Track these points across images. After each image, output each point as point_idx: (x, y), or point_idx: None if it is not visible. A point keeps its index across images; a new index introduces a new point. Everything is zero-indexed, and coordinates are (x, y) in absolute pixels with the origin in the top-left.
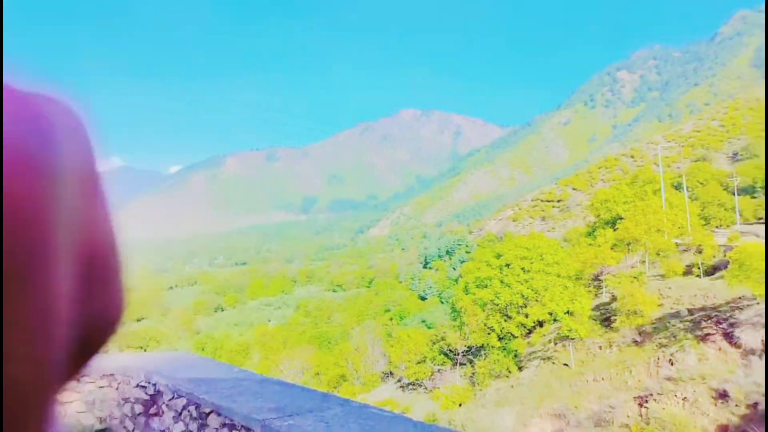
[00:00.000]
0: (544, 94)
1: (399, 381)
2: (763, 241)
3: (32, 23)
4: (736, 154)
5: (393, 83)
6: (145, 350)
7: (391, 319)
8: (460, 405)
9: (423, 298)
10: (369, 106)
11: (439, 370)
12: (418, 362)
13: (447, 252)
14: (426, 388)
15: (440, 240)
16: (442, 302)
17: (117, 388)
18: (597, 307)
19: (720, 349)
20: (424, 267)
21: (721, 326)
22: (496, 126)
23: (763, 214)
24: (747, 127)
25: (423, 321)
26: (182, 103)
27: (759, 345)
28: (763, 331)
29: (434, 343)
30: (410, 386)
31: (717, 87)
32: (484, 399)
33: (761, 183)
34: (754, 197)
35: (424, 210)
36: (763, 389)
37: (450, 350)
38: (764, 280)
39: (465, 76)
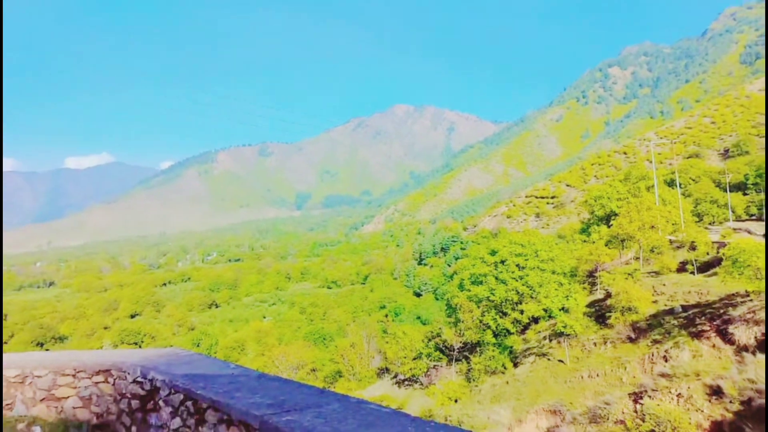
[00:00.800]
0: (537, 90)
1: (395, 377)
2: (756, 237)
3: (28, 16)
4: (727, 151)
5: (386, 78)
6: (139, 346)
7: (387, 315)
8: (456, 401)
9: (418, 295)
10: (361, 102)
11: (435, 367)
12: (414, 358)
13: (442, 248)
14: (422, 384)
15: (435, 236)
16: (437, 299)
17: (113, 384)
18: (592, 304)
19: (714, 345)
20: (419, 263)
21: (714, 323)
22: (490, 122)
23: (754, 210)
24: (738, 123)
25: (418, 317)
26: (173, 99)
27: (752, 341)
28: (756, 328)
29: (430, 340)
30: (406, 382)
31: (707, 83)
32: (480, 395)
33: (752, 180)
34: (745, 194)
35: (418, 206)
36: (756, 386)
37: (446, 346)
38: (761, 276)
39: (458, 73)
